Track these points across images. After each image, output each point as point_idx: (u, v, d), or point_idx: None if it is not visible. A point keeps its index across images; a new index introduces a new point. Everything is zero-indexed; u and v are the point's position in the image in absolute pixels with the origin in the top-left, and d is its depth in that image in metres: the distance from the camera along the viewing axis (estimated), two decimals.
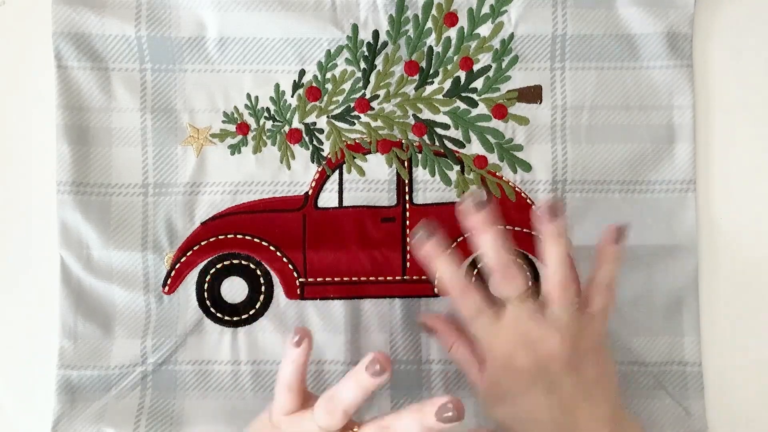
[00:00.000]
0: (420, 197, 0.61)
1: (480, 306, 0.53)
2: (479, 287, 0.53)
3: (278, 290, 0.60)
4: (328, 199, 0.60)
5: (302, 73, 0.61)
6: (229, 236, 0.60)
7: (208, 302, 0.60)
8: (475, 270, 0.60)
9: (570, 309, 0.51)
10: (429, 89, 0.61)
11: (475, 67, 0.61)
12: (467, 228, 0.53)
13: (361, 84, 0.61)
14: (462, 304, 0.53)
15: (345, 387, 0.48)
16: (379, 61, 0.61)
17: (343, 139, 0.61)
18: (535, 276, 0.60)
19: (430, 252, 0.53)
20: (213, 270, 0.60)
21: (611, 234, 0.54)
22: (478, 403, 0.55)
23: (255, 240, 0.60)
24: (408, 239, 0.60)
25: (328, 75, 0.61)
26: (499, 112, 0.61)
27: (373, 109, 0.61)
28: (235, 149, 0.61)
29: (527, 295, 0.52)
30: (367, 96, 0.61)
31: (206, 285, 0.60)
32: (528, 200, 0.60)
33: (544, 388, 0.50)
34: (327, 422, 0.48)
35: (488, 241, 0.52)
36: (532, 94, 0.61)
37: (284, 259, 0.60)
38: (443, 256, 0.53)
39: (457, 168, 0.61)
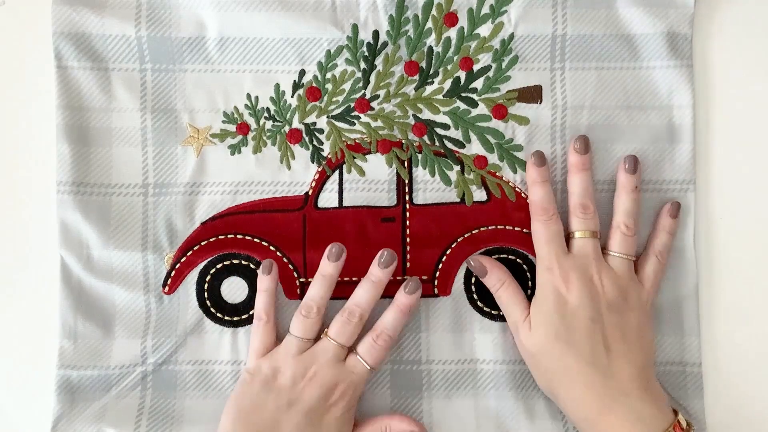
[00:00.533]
0: (420, 197, 0.61)
1: (560, 233, 0.57)
2: None
3: (278, 290, 0.60)
4: (328, 199, 0.60)
5: (302, 73, 0.61)
6: (229, 236, 0.60)
7: (208, 302, 0.60)
8: (473, 278, 0.60)
9: (627, 258, 0.57)
10: (429, 89, 0.61)
11: (475, 67, 0.61)
12: (570, 163, 0.59)
13: (361, 84, 0.61)
14: (545, 227, 0.57)
15: (359, 292, 0.57)
16: (379, 61, 0.61)
17: (343, 139, 0.61)
18: (535, 278, 0.60)
19: (540, 177, 0.58)
20: (213, 270, 0.60)
21: (670, 208, 0.59)
22: (517, 341, 0.58)
23: (255, 240, 0.60)
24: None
25: (328, 75, 0.61)
26: (499, 112, 0.61)
27: (373, 109, 0.61)
28: (235, 149, 0.61)
29: (596, 236, 0.57)
30: (367, 96, 0.61)
31: (206, 285, 0.60)
32: (528, 200, 0.60)
33: (589, 314, 0.55)
34: (345, 332, 0.56)
35: (580, 179, 0.58)
36: (532, 94, 0.61)
37: (284, 259, 0.60)
38: (546, 183, 0.59)
39: (457, 168, 0.61)
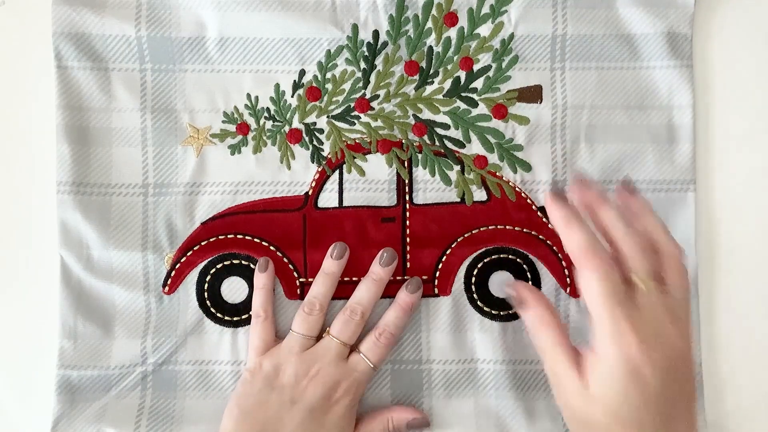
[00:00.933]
0: (420, 197, 0.61)
1: (622, 286, 0.46)
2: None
3: (278, 290, 0.60)
4: (328, 199, 0.60)
5: (302, 73, 0.61)
6: (229, 236, 0.60)
7: (208, 302, 0.60)
8: (473, 278, 0.60)
9: (687, 292, 0.48)
10: (429, 89, 0.61)
11: (475, 67, 0.61)
12: (584, 203, 0.49)
13: (361, 84, 0.61)
14: (605, 281, 0.46)
15: (360, 290, 0.57)
16: (379, 61, 0.61)
17: (343, 139, 0.61)
18: (534, 278, 0.60)
19: (569, 215, 0.49)
20: (213, 270, 0.60)
21: (625, 189, 0.52)
22: (559, 394, 0.49)
23: (255, 240, 0.60)
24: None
25: (328, 75, 0.61)
26: (499, 112, 0.61)
27: (373, 109, 0.61)
28: (235, 149, 0.61)
29: (656, 277, 0.47)
30: (367, 96, 0.61)
31: (206, 285, 0.60)
32: (528, 200, 0.60)
33: (662, 391, 0.46)
34: (347, 331, 0.56)
35: (615, 217, 0.48)
36: (532, 94, 0.61)
37: (284, 259, 0.60)
38: (583, 222, 0.48)
39: (457, 168, 0.61)
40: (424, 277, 0.60)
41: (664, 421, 0.46)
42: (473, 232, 0.60)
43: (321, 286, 0.58)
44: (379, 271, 0.58)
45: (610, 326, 0.46)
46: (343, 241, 0.59)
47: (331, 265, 0.58)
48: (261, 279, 0.59)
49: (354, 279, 0.60)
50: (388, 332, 0.57)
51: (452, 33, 0.61)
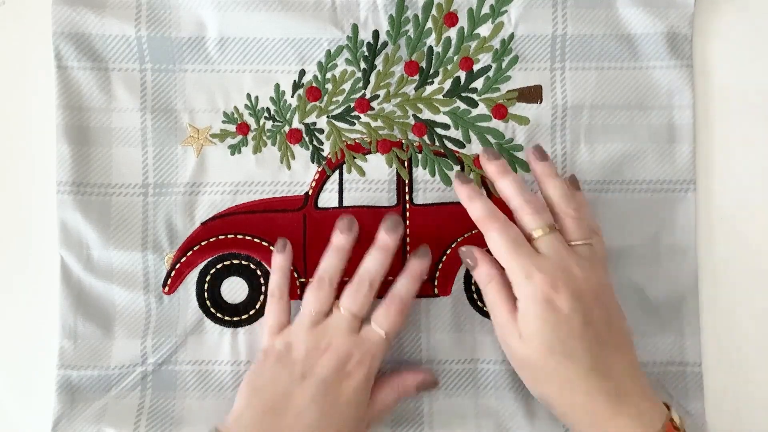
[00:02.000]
0: (420, 197, 0.61)
1: (521, 237, 0.52)
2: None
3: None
4: (328, 199, 0.60)
5: (302, 73, 0.61)
6: (229, 236, 0.60)
7: (208, 302, 0.60)
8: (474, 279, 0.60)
9: (588, 243, 0.53)
10: (429, 89, 0.61)
11: (475, 67, 0.61)
12: (488, 174, 0.55)
13: (361, 84, 0.61)
14: (503, 236, 0.52)
15: (367, 260, 0.56)
16: (379, 61, 0.61)
17: (343, 139, 0.61)
18: None
19: (471, 191, 0.54)
20: (213, 270, 0.60)
21: (534, 152, 0.56)
22: (504, 344, 0.54)
23: (255, 240, 0.60)
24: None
25: (328, 75, 0.61)
26: (499, 112, 0.61)
27: (373, 109, 0.61)
28: (235, 149, 0.61)
29: (555, 228, 0.53)
30: (367, 96, 0.61)
31: (206, 285, 0.60)
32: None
33: (582, 319, 0.51)
34: (356, 301, 0.55)
35: (510, 182, 0.54)
36: (532, 94, 0.61)
37: None
38: (483, 195, 0.54)
39: (457, 168, 0.61)
40: (424, 278, 0.60)
41: (597, 351, 0.51)
42: (473, 232, 0.60)
43: (331, 260, 0.56)
44: (385, 238, 0.56)
45: (518, 270, 0.51)
46: (351, 216, 0.58)
47: (339, 239, 0.57)
48: (278, 259, 0.58)
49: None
50: (399, 300, 0.55)
51: (452, 33, 0.61)
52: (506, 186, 0.54)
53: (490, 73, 0.61)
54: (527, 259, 0.51)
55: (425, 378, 0.58)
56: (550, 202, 0.54)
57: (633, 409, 0.51)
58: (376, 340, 0.55)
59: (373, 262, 0.56)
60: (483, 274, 0.54)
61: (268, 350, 0.56)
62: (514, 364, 0.55)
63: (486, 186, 0.60)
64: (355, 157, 0.61)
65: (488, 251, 0.54)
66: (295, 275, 0.60)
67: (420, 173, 0.61)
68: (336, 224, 0.57)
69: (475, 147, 0.61)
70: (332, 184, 0.61)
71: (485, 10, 0.60)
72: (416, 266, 0.57)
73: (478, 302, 0.60)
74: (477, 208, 0.54)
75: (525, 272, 0.51)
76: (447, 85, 0.61)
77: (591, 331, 0.51)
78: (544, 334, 0.51)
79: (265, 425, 0.52)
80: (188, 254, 0.60)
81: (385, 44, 0.61)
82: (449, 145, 0.61)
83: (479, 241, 0.60)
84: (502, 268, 0.53)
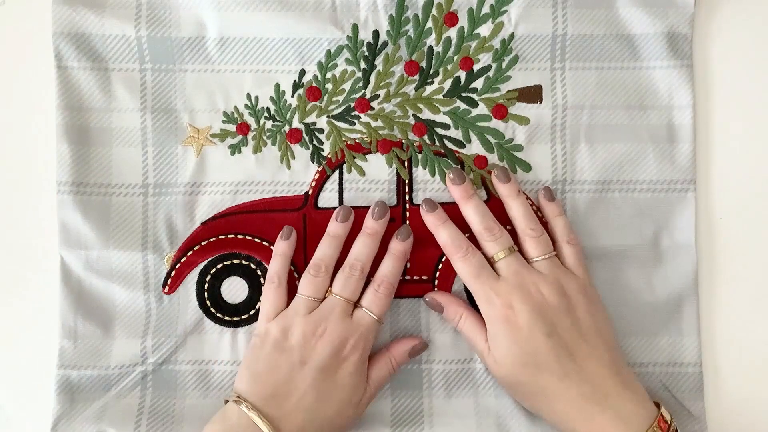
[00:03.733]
0: (420, 197, 0.61)
1: (483, 263, 0.56)
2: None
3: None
4: (328, 199, 0.60)
5: (302, 73, 0.61)
6: (229, 236, 0.60)
7: (208, 302, 0.60)
8: None
9: (549, 257, 0.57)
10: (429, 89, 0.61)
11: (475, 67, 0.61)
12: (455, 197, 0.59)
13: (361, 84, 0.61)
14: (466, 263, 0.56)
15: (357, 246, 0.58)
16: (379, 61, 0.61)
17: (343, 139, 0.61)
18: None
19: (436, 220, 0.58)
20: (213, 270, 0.60)
21: (545, 193, 0.59)
22: (488, 370, 0.58)
23: (255, 240, 0.60)
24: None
25: (329, 75, 0.61)
26: (499, 112, 0.61)
27: (373, 109, 0.61)
28: (235, 149, 0.61)
29: (514, 249, 0.57)
30: (367, 96, 0.61)
31: (206, 285, 0.60)
32: (528, 200, 0.60)
33: (544, 331, 0.54)
34: (348, 287, 0.57)
35: (472, 207, 0.58)
36: (532, 94, 0.61)
37: None
38: (447, 222, 0.58)
39: (456, 167, 0.61)
40: (424, 277, 0.60)
41: (566, 358, 0.54)
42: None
43: (326, 248, 0.58)
44: (372, 224, 0.58)
45: (480, 294, 0.56)
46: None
47: (336, 227, 0.59)
48: (281, 246, 0.59)
49: None
50: (387, 282, 0.58)
51: (452, 33, 0.61)
52: (469, 211, 0.58)
53: (490, 73, 0.61)
54: (487, 283, 0.56)
55: (415, 343, 0.59)
56: (513, 222, 0.59)
57: (612, 412, 0.53)
58: (367, 323, 0.57)
59: (363, 248, 0.58)
60: (452, 313, 0.58)
61: (263, 336, 0.57)
62: (501, 387, 0.59)
63: (486, 186, 0.60)
64: (355, 157, 0.61)
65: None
66: (295, 275, 0.60)
67: (420, 173, 0.61)
68: (333, 213, 0.59)
69: (475, 147, 0.61)
70: (332, 183, 0.61)
71: (485, 9, 0.60)
72: (399, 247, 0.59)
73: None
74: (443, 237, 0.58)
75: (485, 296, 0.56)
76: (447, 85, 0.61)
77: (555, 341, 0.54)
78: (511, 351, 0.54)
79: (267, 410, 0.54)
80: (188, 254, 0.60)
81: (385, 44, 0.61)
82: (449, 145, 0.61)
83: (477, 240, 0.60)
84: (467, 307, 0.58)
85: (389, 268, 0.58)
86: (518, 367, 0.54)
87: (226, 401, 0.56)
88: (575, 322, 0.55)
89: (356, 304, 0.58)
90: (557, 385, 0.54)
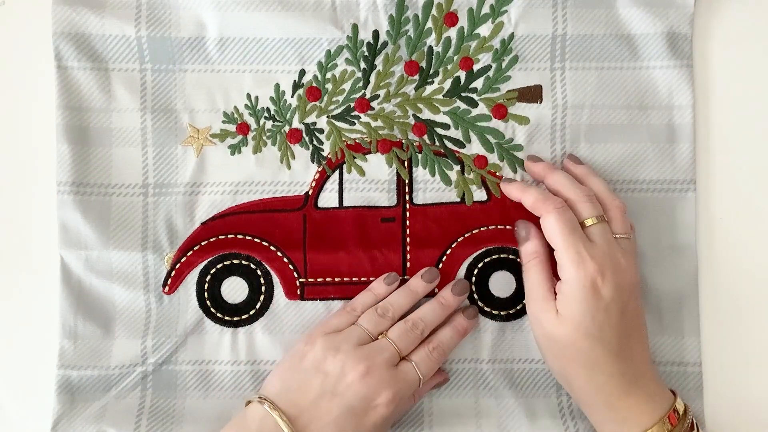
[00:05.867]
0: (420, 197, 0.61)
1: (576, 222, 0.55)
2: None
3: (278, 290, 0.60)
4: (328, 199, 0.60)
5: (302, 73, 0.61)
6: (229, 236, 0.60)
7: (208, 302, 0.60)
8: (474, 279, 0.60)
9: (629, 236, 0.56)
10: (429, 89, 0.61)
11: (475, 67, 0.61)
12: (536, 175, 0.59)
13: (361, 84, 0.61)
14: (561, 217, 0.55)
15: (426, 308, 0.58)
16: (379, 61, 0.61)
17: (343, 139, 0.61)
18: None
19: (518, 187, 0.58)
20: (213, 270, 0.60)
21: (571, 159, 0.59)
22: (535, 321, 0.57)
23: (255, 240, 0.60)
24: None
25: (328, 75, 0.61)
26: (499, 112, 0.61)
27: (373, 109, 0.61)
28: (235, 149, 0.61)
29: (605, 219, 0.56)
30: (367, 96, 0.61)
31: (206, 285, 0.60)
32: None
33: (620, 308, 0.54)
34: (405, 339, 0.56)
35: (562, 177, 0.57)
36: (532, 94, 0.61)
37: (284, 259, 0.60)
38: (530, 186, 0.58)
39: (457, 168, 0.61)
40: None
41: (625, 339, 0.54)
42: (473, 232, 0.60)
43: (402, 297, 0.58)
44: (449, 297, 0.59)
45: (569, 252, 0.54)
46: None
47: (418, 284, 0.59)
48: (379, 287, 0.59)
49: (353, 280, 0.60)
50: (441, 349, 0.57)
51: (452, 33, 0.61)
52: (558, 179, 0.57)
53: (490, 73, 0.61)
54: (580, 243, 0.54)
55: (440, 380, 0.59)
56: (559, 192, 0.57)
57: (644, 391, 0.54)
58: (411, 380, 0.56)
59: (431, 314, 0.58)
60: (530, 249, 0.57)
61: (310, 346, 0.56)
62: (539, 339, 0.57)
63: (486, 186, 0.60)
64: (355, 157, 0.61)
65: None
66: (295, 275, 0.60)
67: (420, 173, 0.61)
68: (419, 272, 0.59)
69: (475, 147, 0.61)
70: (332, 183, 0.61)
71: (485, 9, 0.60)
72: (464, 324, 0.59)
73: (479, 302, 0.60)
74: (531, 196, 0.57)
75: (576, 256, 0.54)
76: (447, 85, 0.61)
77: (625, 321, 0.54)
78: (583, 317, 0.53)
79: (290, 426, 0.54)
80: (188, 254, 0.60)
81: (385, 44, 0.61)
82: (449, 145, 0.61)
83: (479, 241, 0.60)
84: (550, 250, 0.56)
85: (448, 338, 0.58)
86: (580, 333, 0.53)
87: (249, 402, 0.55)
88: (638, 306, 0.56)
89: (403, 357, 0.57)
90: (608, 359, 0.53)
